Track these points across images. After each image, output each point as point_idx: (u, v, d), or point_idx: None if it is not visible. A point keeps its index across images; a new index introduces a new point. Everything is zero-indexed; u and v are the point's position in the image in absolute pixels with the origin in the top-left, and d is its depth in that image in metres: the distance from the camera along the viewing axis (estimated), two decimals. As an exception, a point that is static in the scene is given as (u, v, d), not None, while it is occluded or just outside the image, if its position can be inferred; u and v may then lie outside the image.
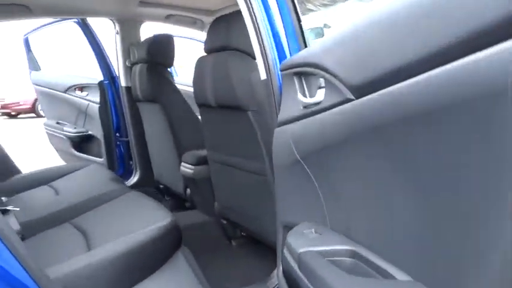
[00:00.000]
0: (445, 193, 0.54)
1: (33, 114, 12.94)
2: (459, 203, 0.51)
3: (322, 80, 0.82)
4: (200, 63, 1.71)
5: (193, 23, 2.61)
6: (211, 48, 1.65)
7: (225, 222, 2.03)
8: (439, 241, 0.56)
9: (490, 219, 0.46)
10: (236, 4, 1.25)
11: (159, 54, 2.25)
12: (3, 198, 1.92)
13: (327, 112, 0.78)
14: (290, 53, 1.19)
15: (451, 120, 0.50)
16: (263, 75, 1.26)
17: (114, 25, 2.53)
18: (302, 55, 0.95)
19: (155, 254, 1.36)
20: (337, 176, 0.81)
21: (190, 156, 2.13)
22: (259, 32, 1.21)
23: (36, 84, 3.18)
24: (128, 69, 2.59)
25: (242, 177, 1.71)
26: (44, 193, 2.06)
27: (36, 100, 12.43)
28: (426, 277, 0.59)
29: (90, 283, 1.17)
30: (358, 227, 0.78)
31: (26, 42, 3.11)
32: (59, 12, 2.29)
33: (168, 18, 2.54)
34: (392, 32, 0.59)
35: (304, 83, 0.92)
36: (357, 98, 0.68)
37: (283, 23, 1.17)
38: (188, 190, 2.31)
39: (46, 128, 3.21)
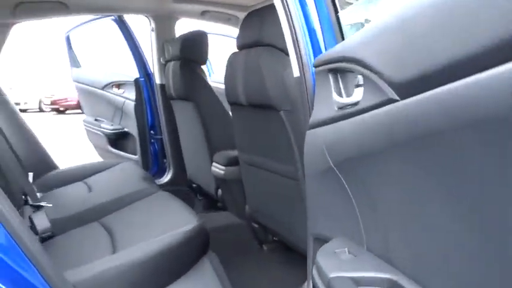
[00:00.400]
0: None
1: (79, 110, 13.56)
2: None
3: (360, 77, 0.71)
4: (232, 59, 1.64)
5: (227, 19, 2.55)
6: (243, 44, 1.57)
7: (256, 225, 1.95)
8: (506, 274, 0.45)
9: None
10: None
11: (192, 51, 2.20)
12: (38, 194, 1.95)
13: (366, 114, 0.68)
14: (326, 49, 1.09)
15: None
16: (296, 72, 1.17)
17: (150, 22, 2.52)
18: (338, 49, 0.85)
19: (180, 259, 1.30)
20: (375, 187, 0.70)
21: (221, 156, 2.07)
22: (293, 26, 1.12)
23: (77, 82, 3.25)
24: (162, 67, 2.57)
25: (273, 180, 1.62)
26: (78, 190, 2.07)
27: (83, 96, 13.00)
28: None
29: (112, 287, 1.13)
30: (399, 248, 0.67)
31: (68, 40, 3.18)
32: (95, 9, 2.30)
33: (203, 15, 2.49)
34: (449, 19, 0.48)
35: (340, 80, 0.82)
36: (402, 98, 0.57)
37: (318, 16, 1.07)
38: (219, 191, 2.25)
39: (85, 125, 3.28)
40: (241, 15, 2.50)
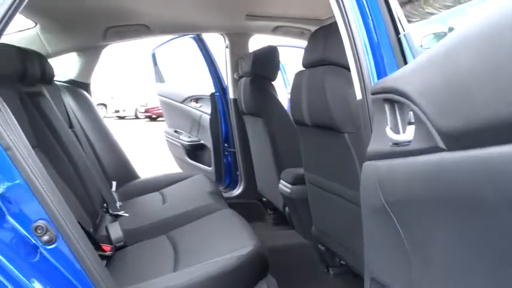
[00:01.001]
0: None
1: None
2: None
3: (411, 114, 0.63)
4: (296, 78, 1.61)
5: (300, 34, 2.52)
6: (308, 63, 1.53)
7: (322, 247, 1.87)
8: None
9: None
10: None
11: (262, 67, 2.22)
12: (118, 202, 2.11)
13: (416, 158, 0.60)
14: (386, 64, 1.01)
15: None
16: (359, 95, 1.10)
17: (224, 39, 2.60)
18: (393, 78, 0.77)
19: (237, 283, 1.29)
20: (427, 236, 0.61)
21: (288, 174, 2.04)
22: (355, 44, 1.05)
23: (160, 95, 3.47)
24: (236, 82, 2.63)
25: (339, 204, 1.54)
26: (153, 200, 2.20)
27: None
28: None
29: None
30: None
31: (153, 57, 3.42)
32: (175, 29, 2.44)
33: (275, 30, 2.50)
34: (497, 63, 0.39)
35: (397, 113, 0.74)
36: (449, 149, 0.49)
37: (376, 35, 0.99)
38: (287, 208, 2.22)
39: (166, 136, 3.48)
40: (315, 29, 2.46)
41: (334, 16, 2.23)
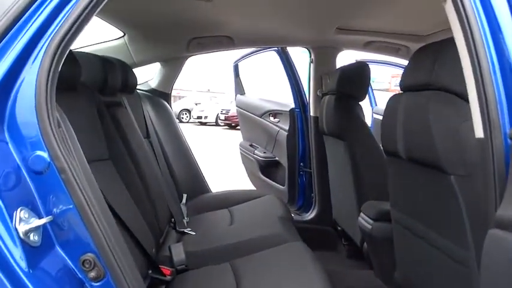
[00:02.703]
0: None
1: (248, 126, 14.75)
2: None
3: None
4: (392, 102, 1.38)
5: (396, 51, 2.26)
6: (409, 85, 1.30)
7: (405, 298, 1.60)
8: None
9: None
10: None
11: (349, 85, 2.01)
12: (185, 219, 2.04)
13: None
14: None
15: None
16: (479, 132, 0.85)
17: (310, 53, 2.44)
18: None
19: None
20: None
21: (370, 207, 1.80)
22: (479, 66, 0.82)
23: (239, 107, 3.42)
24: (318, 99, 2.45)
25: (434, 255, 1.28)
26: (221, 219, 2.10)
27: (252, 114, 14.17)
28: None
29: None
30: None
31: (235, 69, 3.38)
32: (258, 42, 2.35)
33: (367, 46, 2.28)
34: None
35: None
36: None
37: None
38: (365, 245, 1.97)
39: (241, 149, 3.41)
40: (413, 45, 2.19)
41: (438, 32, 1.95)
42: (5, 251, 0.67)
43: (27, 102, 0.76)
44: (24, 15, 0.77)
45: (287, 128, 2.81)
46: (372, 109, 3.90)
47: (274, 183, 3.01)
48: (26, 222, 0.71)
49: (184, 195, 2.36)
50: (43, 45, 0.77)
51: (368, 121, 2.96)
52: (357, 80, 2.02)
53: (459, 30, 0.87)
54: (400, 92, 1.36)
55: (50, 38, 0.77)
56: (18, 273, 0.68)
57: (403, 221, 1.48)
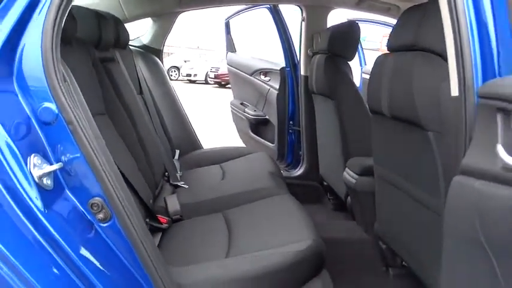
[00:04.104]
0: None
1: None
2: None
3: None
4: (378, 62, 1.44)
5: (387, 10, 2.28)
6: (395, 46, 1.35)
7: (384, 246, 1.74)
8: None
9: None
10: None
11: (339, 45, 2.05)
12: (179, 173, 2.12)
13: None
14: (499, 64, 0.82)
15: None
16: (455, 91, 0.93)
17: (302, 11, 2.44)
18: None
19: (292, 277, 1.23)
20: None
21: (355, 163, 1.90)
22: (458, 28, 0.87)
23: (230, 65, 3.43)
24: (309, 58, 2.48)
25: (411, 206, 1.39)
26: (213, 174, 2.19)
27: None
28: None
29: None
30: None
31: (227, 26, 3.35)
32: (251, -2, 2.33)
33: (359, 4, 2.29)
34: None
35: (513, 129, 0.58)
36: None
37: (495, 24, 0.80)
38: (349, 198, 2.09)
39: (231, 107, 3.45)
40: (403, 4, 2.20)
41: (429, -8, 1.96)
42: (23, 192, 0.75)
43: (34, 56, 0.80)
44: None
45: (277, 86, 2.85)
46: (361, 69, 3.94)
47: (264, 141, 3.09)
48: (39, 167, 0.78)
49: (177, 151, 2.43)
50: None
51: (357, 81, 3.02)
52: (347, 39, 2.05)
53: None
54: (387, 52, 1.42)
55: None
56: (35, 213, 0.75)
57: (384, 175, 1.58)
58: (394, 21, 2.54)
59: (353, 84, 2.07)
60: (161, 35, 2.52)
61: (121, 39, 1.91)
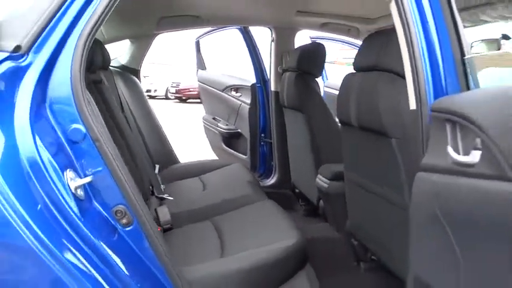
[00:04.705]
0: None
1: (199, 100, 14.67)
2: None
3: (479, 141, 0.69)
4: (346, 80, 1.65)
5: (347, 31, 2.54)
6: (361, 67, 1.57)
7: (355, 242, 1.94)
8: None
9: None
10: None
11: (307, 63, 2.26)
12: (162, 185, 2.23)
13: (481, 181, 0.65)
14: (447, 89, 1.04)
15: None
16: (413, 105, 1.14)
17: (271, 33, 2.65)
18: (460, 101, 0.81)
19: (280, 271, 1.39)
20: (483, 255, 0.67)
21: (327, 170, 2.10)
22: (414, 55, 1.09)
23: (201, 82, 3.57)
24: (279, 75, 2.68)
25: (378, 204, 1.60)
26: (194, 186, 2.31)
27: (203, 87, 14.07)
28: None
29: None
30: None
31: (197, 45, 3.51)
32: (225, 21, 2.51)
33: (322, 26, 2.53)
34: None
35: (458, 135, 0.79)
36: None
37: (441, 53, 1.03)
38: (321, 202, 2.29)
39: (204, 122, 3.59)
40: (362, 27, 2.47)
41: (384, 16, 2.24)
42: (64, 202, 0.86)
43: (64, 83, 0.93)
44: (59, 11, 0.92)
45: (249, 101, 3.03)
46: (324, 83, 4.21)
47: (237, 153, 3.25)
48: (73, 180, 0.90)
49: (157, 166, 2.54)
50: (77, 34, 0.93)
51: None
52: (314, 58, 2.27)
53: (399, 23, 1.13)
54: (353, 71, 1.64)
55: (82, 29, 0.93)
56: (74, 219, 0.87)
57: (354, 178, 1.78)
58: (350, 39, 2.83)
59: (321, 98, 2.28)
60: (139, 56, 2.64)
61: (105, 61, 2.01)
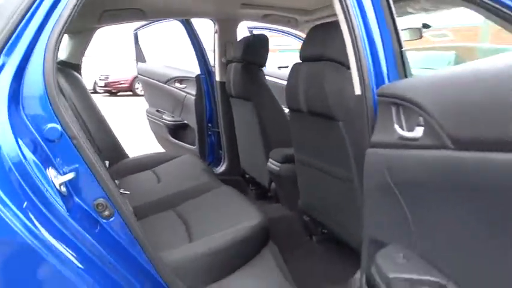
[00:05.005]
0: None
1: (130, 93, 14.13)
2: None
3: (421, 119, 0.85)
4: (294, 70, 1.78)
5: (287, 22, 2.68)
6: (307, 57, 1.70)
7: (307, 218, 2.10)
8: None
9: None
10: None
11: (253, 54, 2.36)
12: (116, 181, 2.22)
13: (425, 151, 0.81)
14: (388, 70, 1.21)
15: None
16: (357, 90, 1.30)
17: (214, 24, 2.70)
18: (402, 87, 0.98)
19: (247, 249, 1.50)
20: (429, 211, 0.84)
21: (277, 154, 2.23)
22: (356, 43, 1.24)
23: (142, 75, 3.52)
24: (223, 66, 2.75)
25: (328, 181, 1.76)
26: (148, 179, 2.33)
27: (134, 79, 13.61)
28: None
29: (192, 272, 1.34)
30: (445, 261, 0.81)
31: (135, 37, 3.45)
32: (168, 14, 2.52)
33: (264, 18, 2.64)
34: (500, 100, 0.61)
35: (402, 115, 0.95)
36: (456, 149, 0.71)
37: (383, 44, 1.19)
38: (273, 184, 2.43)
39: (148, 115, 3.56)
40: (301, 18, 2.63)
41: (320, 8, 2.40)
42: (53, 198, 0.89)
43: (38, 84, 0.94)
44: (27, 14, 0.93)
45: (194, 93, 3.07)
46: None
47: (184, 144, 3.28)
48: (56, 177, 0.92)
49: (107, 162, 2.50)
50: (47, 35, 0.94)
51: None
52: (259, 49, 2.38)
53: (343, 17, 1.28)
54: (299, 61, 1.78)
55: (51, 30, 0.95)
56: (62, 214, 0.90)
57: (304, 160, 1.94)
58: (285, 28, 2.97)
59: (267, 86, 2.40)
60: (79, 50, 2.55)
61: None
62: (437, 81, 0.84)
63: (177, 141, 3.32)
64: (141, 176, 2.41)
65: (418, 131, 0.85)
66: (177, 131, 3.32)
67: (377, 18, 1.21)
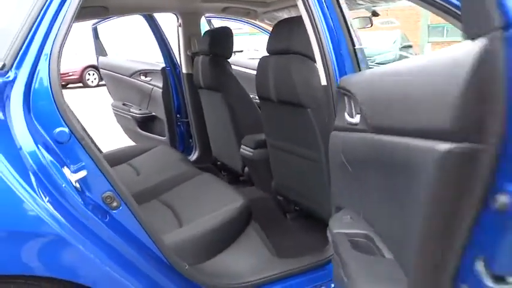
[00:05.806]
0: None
1: (80, 84, 13.63)
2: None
3: (359, 108, 1.08)
4: (263, 62, 1.93)
5: (247, 14, 2.80)
6: (274, 50, 1.86)
7: (281, 198, 2.29)
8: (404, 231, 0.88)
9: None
10: None
11: (219, 46, 2.47)
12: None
13: (360, 134, 1.05)
14: (346, 67, 1.41)
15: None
16: (324, 81, 1.48)
17: (177, 18, 2.78)
18: (349, 81, 1.21)
19: (234, 229, 1.66)
20: (366, 183, 1.11)
21: (250, 140, 2.38)
22: (320, 39, 1.42)
23: (104, 69, 3.52)
24: (189, 58, 2.85)
25: (299, 162, 1.95)
26: (126, 172, 2.41)
27: (83, 71, 13.13)
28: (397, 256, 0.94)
29: (188, 253, 1.49)
30: (373, 220, 1.09)
31: (94, 31, 3.42)
32: (132, 9, 2.56)
33: (224, 10, 2.75)
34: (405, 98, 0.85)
35: (349, 104, 1.17)
36: (372, 133, 0.95)
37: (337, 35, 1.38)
38: (246, 169, 2.59)
39: (113, 109, 3.57)
40: (260, 9, 2.76)
41: (277, 0, 2.54)
42: (73, 193, 1.00)
43: (45, 92, 1.04)
44: (31, 29, 1.01)
45: (160, 85, 3.13)
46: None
47: (154, 135, 3.34)
48: (71, 175, 1.03)
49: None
50: (50, 47, 1.04)
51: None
52: (225, 41, 2.50)
53: (306, 16, 1.45)
54: (267, 54, 1.93)
55: (53, 41, 1.04)
56: (82, 208, 1.02)
57: (276, 144, 2.11)
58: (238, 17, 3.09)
59: (234, 77, 2.53)
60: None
61: None
62: (374, 76, 1.08)
63: (146, 133, 3.38)
64: (118, 170, 2.46)
65: (357, 118, 1.08)
66: (146, 123, 3.38)
67: (332, 19, 1.39)
